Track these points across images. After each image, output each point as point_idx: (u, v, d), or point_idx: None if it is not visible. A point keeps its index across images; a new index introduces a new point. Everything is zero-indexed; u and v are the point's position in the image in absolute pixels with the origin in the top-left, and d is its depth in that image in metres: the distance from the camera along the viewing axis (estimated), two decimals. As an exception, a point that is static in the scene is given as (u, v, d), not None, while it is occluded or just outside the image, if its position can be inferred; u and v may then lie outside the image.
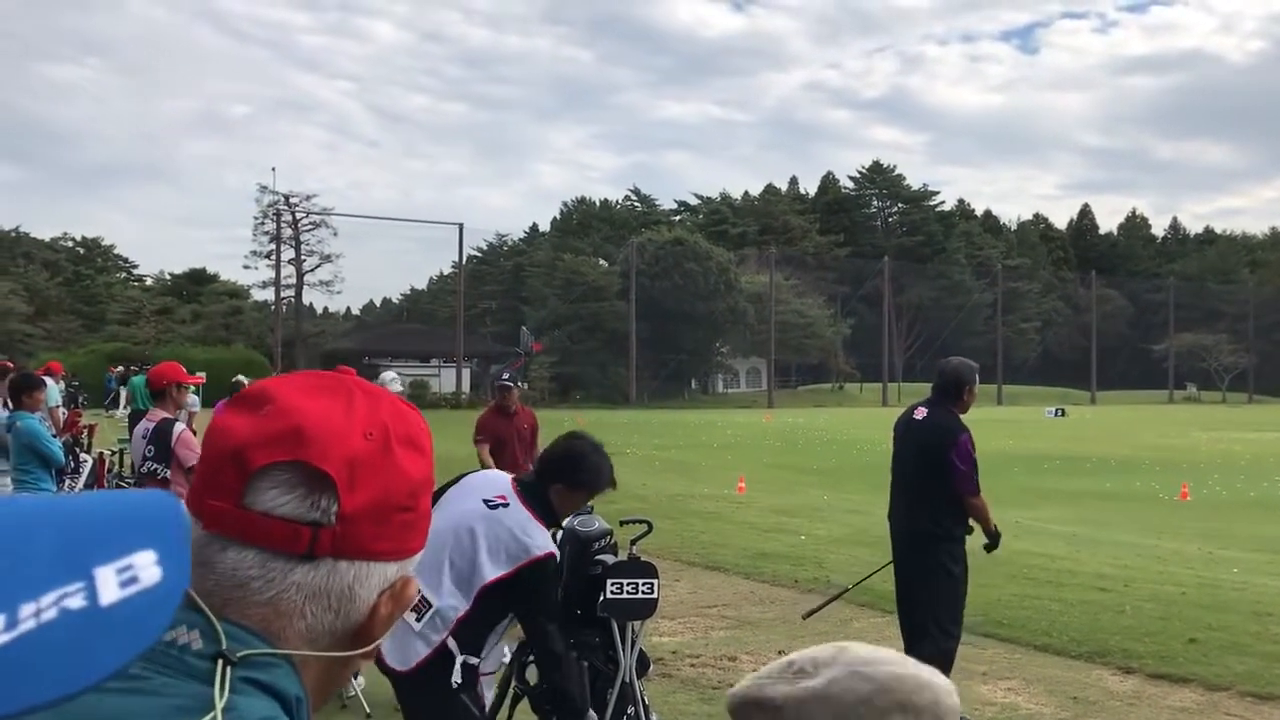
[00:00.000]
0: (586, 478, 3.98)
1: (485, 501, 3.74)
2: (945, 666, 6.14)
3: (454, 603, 3.62)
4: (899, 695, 1.08)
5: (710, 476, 20.80)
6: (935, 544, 6.13)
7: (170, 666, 0.83)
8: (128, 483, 8.87)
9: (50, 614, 0.50)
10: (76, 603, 0.51)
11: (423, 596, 3.59)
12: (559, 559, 3.87)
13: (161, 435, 6.93)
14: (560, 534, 4.32)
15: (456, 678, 3.67)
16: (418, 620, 3.60)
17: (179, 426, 7.04)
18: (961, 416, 6.29)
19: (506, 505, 3.73)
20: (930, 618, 6.21)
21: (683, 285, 66.09)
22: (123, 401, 35.67)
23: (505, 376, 9.85)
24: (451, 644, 3.65)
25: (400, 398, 1.04)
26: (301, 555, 0.90)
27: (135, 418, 12.45)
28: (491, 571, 3.61)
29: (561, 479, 3.93)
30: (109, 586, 0.52)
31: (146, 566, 0.55)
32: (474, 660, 3.73)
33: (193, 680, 0.83)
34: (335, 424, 0.94)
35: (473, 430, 9.95)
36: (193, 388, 16.74)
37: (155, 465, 6.91)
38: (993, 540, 6.43)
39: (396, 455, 0.95)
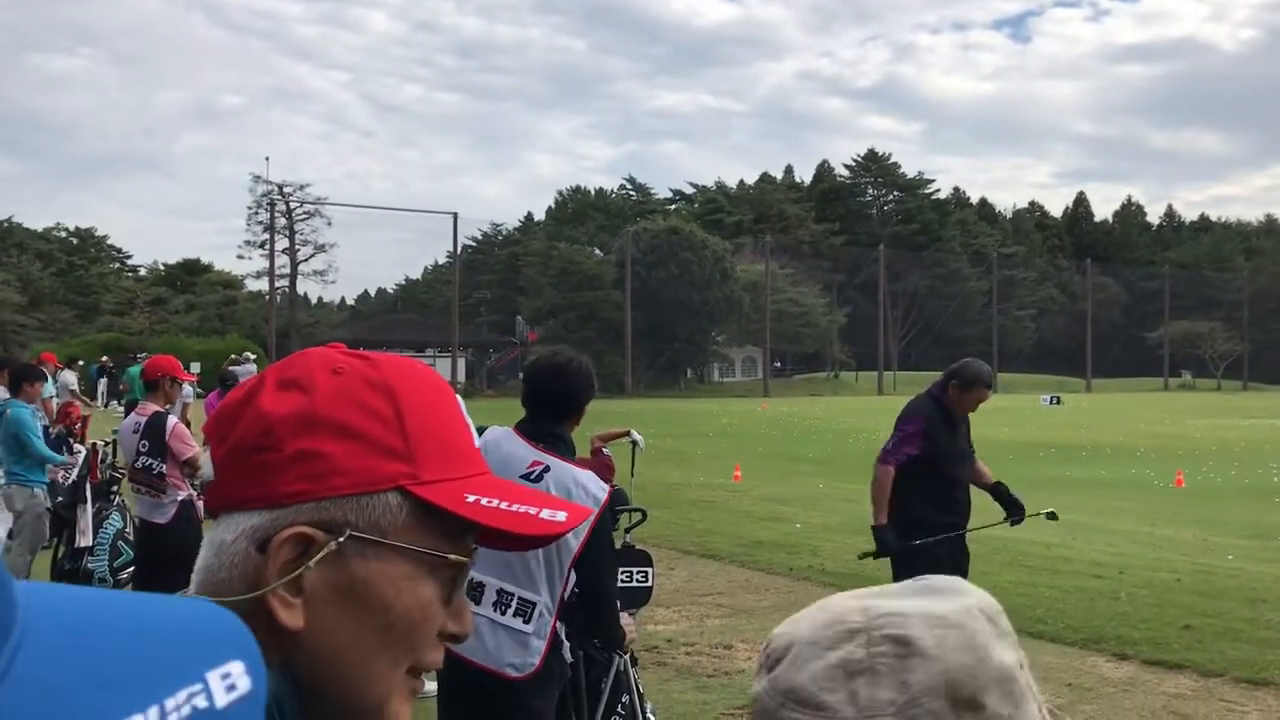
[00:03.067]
0: (593, 391, 3.86)
1: (526, 478, 3.49)
2: None
3: (553, 590, 3.49)
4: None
5: (706, 465, 20.81)
6: (915, 531, 5.97)
7: None
8: (120, 474, 8.83)
9: (185, 710, 0.56)
10: (201, 703, 0.58)
11: (521, 598, 3.46)
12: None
13: (154, 429, 6.86)
14: None
15: (568, 655, 3.57)
16: (526, 622, 3.45)
17: (171, 419, 6.97)
18: (948, 408, 6.13)
19: (547, 468, 3.53)
20: None
21: (678, 274, 66.02)
22: (101, 392, 35.55)
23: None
24: (559, 627, 3.55)
25: (329, 348, 0.98)
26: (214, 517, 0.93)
27: (131, 407, 12.46)
28: (576, 540, 3.44)
29: (587, 400, 3.79)
30: (219, 691, 0.59)
31: (240, 675, 0.60)
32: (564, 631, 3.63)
33: None
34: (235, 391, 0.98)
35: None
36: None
37: (150, 460, 6.84)
38: (877, 540, 6.06)
39: (260, 397, 0.92)
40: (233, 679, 0.60)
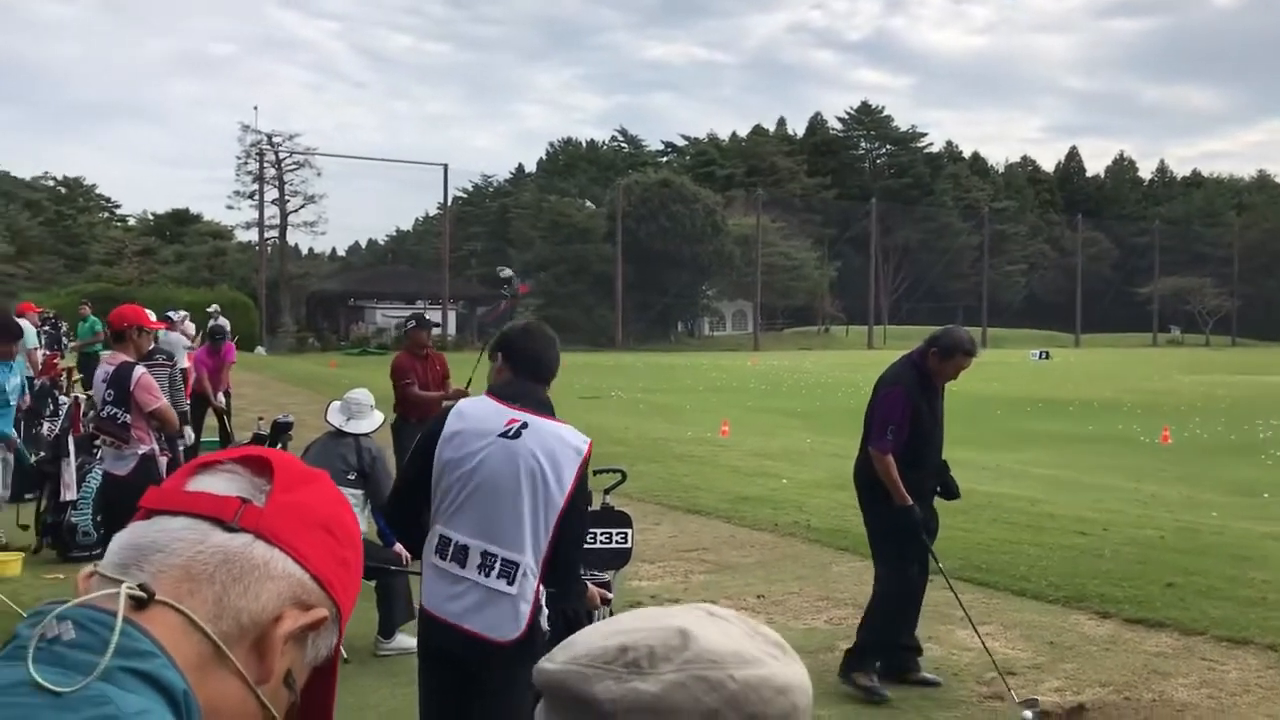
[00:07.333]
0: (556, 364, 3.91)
1: (506, 435, 3.48)
2: (906, 605, 6.16)
3: (536, 550, 3.44)
4: (750, 708, 0.86)
5: (694, 420, 20.81)
6: (872, 485, 6.09)
7: (41, 662, 0.84)
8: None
9: None
10: None
11: (504, 559, 3.41)
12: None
13: (120, 379, 6.79)
14: None
15: (545, 625, 3.51)
16: (510, 584, 3.40)
17: (138, 370, 6.90)
18: (927, 375, 6.15)
19: (525, 424, 3.50)
20: (878, 559, 6.22)
21: (669, 228, 65.71)
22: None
23: (426, 316, 9.81)
24: (542, 590, 3.47)
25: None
26: (227, 524, 0.96)
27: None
28: (561, 494, 3.42)
29: (554, 369, 3.85)
30: None
31: None
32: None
33: (65, 670, 0.84)
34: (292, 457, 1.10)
35: (402, 374, 9.57)
36: (173, 332, 16.58)
37: (114, 409, 6.80)
38: (902, 516, 5.92)
39: (336, 499, 1.06)
40: None
